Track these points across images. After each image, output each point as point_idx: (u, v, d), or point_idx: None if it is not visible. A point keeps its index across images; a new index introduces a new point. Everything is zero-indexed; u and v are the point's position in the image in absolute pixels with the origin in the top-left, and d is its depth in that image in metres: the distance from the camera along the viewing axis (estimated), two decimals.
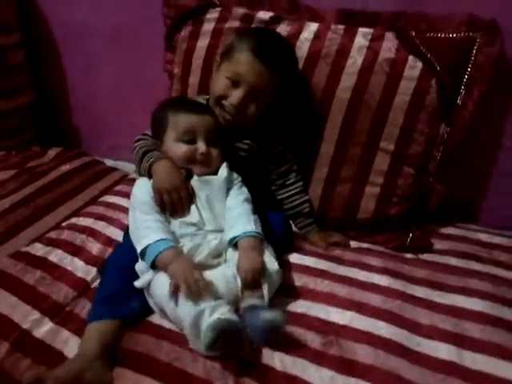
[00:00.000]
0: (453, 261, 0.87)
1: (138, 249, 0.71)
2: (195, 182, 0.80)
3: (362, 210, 0.93)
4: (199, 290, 0.63)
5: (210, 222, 0.77)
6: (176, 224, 0.76)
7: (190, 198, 0.78)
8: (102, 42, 1.26)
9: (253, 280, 0.68)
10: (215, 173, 0.82)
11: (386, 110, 0.87)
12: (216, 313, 0.61)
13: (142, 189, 0.79)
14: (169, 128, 0.81)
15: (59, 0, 1.26)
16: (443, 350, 0.65)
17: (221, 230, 0.77)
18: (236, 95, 0.81)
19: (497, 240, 0.96)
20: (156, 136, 0.85)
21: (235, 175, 0.85)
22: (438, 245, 0.93)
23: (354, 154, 0.91)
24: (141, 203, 0.77)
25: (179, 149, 0.80)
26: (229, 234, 0.74)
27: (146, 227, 0.72)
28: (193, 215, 0.77)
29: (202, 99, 0.92)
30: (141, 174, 0.83)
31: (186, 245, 0.73)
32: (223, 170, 0.82)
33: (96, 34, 1.25)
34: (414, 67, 0.86)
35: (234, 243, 0.73)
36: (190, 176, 0.80)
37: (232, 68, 0.82)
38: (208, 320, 0.60)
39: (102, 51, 1.28)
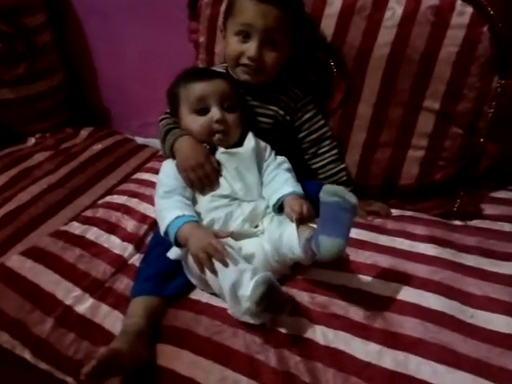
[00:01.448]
0: (506, 226, 0.80)
1: (162, 232, 0.70)
2: (221, 155, 0.76)
3: (404, 175, 0.87)
4: (222, 257, 0.61)
5: (243, 192, 0.75)
6: (206, 199, 0.74)
7: (218, 171, 0.76)
8: (126, 17, 1.23)
9: (308, 212, 0.66)
10: (240, 143, 0.78)
11: (431, 65, 0.79)
12: (259, 274, 0.59)
13: (167, 172, 0.77)
14: (181, 102, 0.78)
15: None
16: (500, 322, 0.60)
17: (255, 200, 0.75)
18: (251, 46, 0.76)
19: None
20: (173, 113, 0.82)
21: (263, 144, 0.81)
22: (490, 210, 0.86)
23: (394, 116, 0.84)
24: (162, 187, 0.74)
25: (195, 122, 0.76)
26: (275, 196, 0.73)
27: (163, 209, 0.71)
28: (223, 187, 0.75)
29: (220, 68, 0.88)
30: (166, 155, 0.81)
31: (220, 215, 0.71)
32: (250, 140, 0.78)
33: (119, 9, 1.23)
34: (462, 13, 0.76)
35: (278, 205, 0.72)
36: (214, 150, 0.77)
37: (237, 21, 0.77)
38: (254, 278, 0.58)
39: (126, 27, 1.25)
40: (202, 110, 0.76)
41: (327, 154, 0.87)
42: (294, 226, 0.66)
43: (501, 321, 0.60)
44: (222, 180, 0.75)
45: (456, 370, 0.55)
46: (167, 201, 0.72)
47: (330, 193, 0.58)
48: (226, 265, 0.61)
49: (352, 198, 0.58)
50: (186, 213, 0.68)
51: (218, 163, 0.76)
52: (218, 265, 0.62)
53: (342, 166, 0.88)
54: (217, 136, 0.76)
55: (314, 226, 0.67)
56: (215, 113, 0.75)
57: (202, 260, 0.63)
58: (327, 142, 0.88)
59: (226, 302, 0.64)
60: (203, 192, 0.75)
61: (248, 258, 0.66)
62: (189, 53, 1.05)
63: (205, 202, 0.74)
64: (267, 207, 0.75)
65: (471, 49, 0.77)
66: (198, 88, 0.76)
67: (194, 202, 0.75)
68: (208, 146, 0.77)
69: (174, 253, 0.70)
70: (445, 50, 0.78)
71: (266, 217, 0.74)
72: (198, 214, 0.72)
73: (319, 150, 0.88)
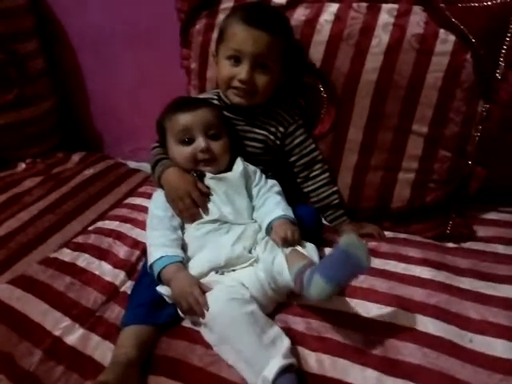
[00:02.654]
0: (500, 248, 0.81)
1: (148, 267, 0.71)
2: (210, 180, 0.78)
3: (396, 198, 0.88)
4: (200, 309, 0.62)
5: (232, 216, 0.76)
6: (193, 226, 0.75)
7: (208, 195, 0.77)
8: (119, 44, 1.25)
9: (292, 236, 0.67)
10: (230, 168, 0.79)
11: (418, 90, 0.81)
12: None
13: (156, 203, 0.79)
14: (168, 133, 0.80)
15: (74, 5, 1.25)
16: (499, 347, 0.59)
17: (245, 223, 0.76)
18: (242, 70, 0.78)
19: None
20: (162, 143, 0.84)
21: (252, 168, 0.82)
22: (482, 232, 0.86)
23: (384, 140, 0.86)
24: (151, 219, 0.77)
25: (181, 152, 0.78)
26: (266, 220, 0.74)
27: (151, 244, 0.73)
28: (212, 212, 0.75)
29: (211, 94, 0.90)
30: (156, 185, 0.83)
31: (207, 242, 0.72)
32: (238, 165, 0.79)
33: (112, 37, 1.25)
34: (446, 41, 0.79)
35: (270, 229, 0.73)
36: (203, 176, 0.78)
37: (229, 46, 0.80)
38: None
39: (119, 54, 1.27)
40: (188, 140, 0.77)
41: (319, 178, 0.88)
42: (284, 251, 0.67)
43: (500, 346, 0.60)
44: (210, 205, 0.76)
45: None
46: (155, 234, 0.74)
47: (351, 244, 0.56)
48: (200, 315, 0.62)
49: (366, 262, 0.56)
50: (170, 253, 0.69)
51: (208, 188, 0.77)
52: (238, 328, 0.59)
53: (334, 188, 0.88)
54: (204, 164, 0.78)
55: (303, 251, 0.68)
56: (200, 143, 0.76)
57: (184, 308, 0.65)
58: (318, 166, 0.88)
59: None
60: (191, 221, 0.75)
61: (245, 287, 0.66)
62: (180, 79, 1.07)
63: (192, 229, 0.75)
64: (258, 231, 0.75)
65: (455, 74, 0.79)
66: (182, 119, 0.77)
67: (183, 230, 0.76)
68: (196, 173, 0.78)
69: (164, 289, 0.69)
70: (430, 76, 0.80)
71: (259, 244, 0.73)
72: (187, 242, 0.74)
73: (311, 173, 0.88)
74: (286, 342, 0.59)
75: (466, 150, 0.84)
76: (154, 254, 0.70)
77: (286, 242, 0.68)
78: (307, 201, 0.91)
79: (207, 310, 0.62)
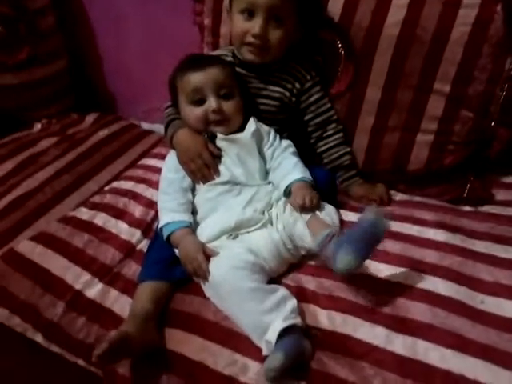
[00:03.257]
0: None
1: (158, 229, 0.74)
2: (221, 141, 0.77)
3: (413, 160, 0.86)
4: (204, 274, 0.64)
5: (244, 177, 0.76)
6: (204, 188, 0.75)
7: (219, 157, 0.76)
8: (130, 0, 1.21)
9: (311, 203, 0.68)
10: (242, 128, 0.78)
11: (442, 46, 0.77)
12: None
13: (168, 165, 0.80)
14: (179, 93, 0.78)
15: None
16: (510, 308, 0.59)
17: (257, 184, 0.75)
18: (256, 24, 0.75)
19: None
20: (174, 103, 0.83)
21: (266, 128, 0.80)
22: (501, 195, 0.84)
23: (403, 99, 0.82)
24: (163, 181, 0.78)
25: (192, 112, 0.77)
26: (284, 183, 0.73)
27: (161, 208, 0.75)
28: (223, 174, 0.76)
29: (225, 51, 0.87)
30: (169, 146, 0.83)
31: (217, 204, 0.72)
32: (250, 125, 0.78)
33: None
34: None
35: (288, 191, 0.72)
36: (214, 137, 0.77)
37: None
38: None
39: (130, 10, 1.23)
40: (199, 101, 0.76)
41: (331, 138, 0.86)
42: (304, 217, 0.67)
43: (511, 307, 0.60)
44: (221, 167, 0.76)
45: (464, 354, 0.55)
46: (165, 198, 0.75)
47: (375, 218, 0.60)
48: (204, 279, 0.65)
49: (384, 228, 0.60)
50: (177, 218, 0.71)
51: (219, 149, 0.76)
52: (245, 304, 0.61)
53: (347, 149, 0.86)
54: (216, 125, 0.77)
55: (322, 218, 0.68)
56: (211, 103, 0.75)
57: (189, 271, 0.67)
58: (332, 126, 0.86)
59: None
60: (204, 181, 0.76)
61: (256, 251, 0.67)
62: (194, 36, 1.03)
63: (203, 191, 0.75)
64: (272, 192, 0.75)
65: (483, 29, 0.75)
66: (193, 79, 0.76)
67: (194, 192, 0.76)
68: (207, 135, 0.77)
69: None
70: (456, 30, 0.76)
71: (275, 206, 0.73)
72: (198, 204, 0.75)
73: (324, 133, 0.86)
74: (289, 304, 0.60)
75: (490, 110, 0.80)
76: (163, 219, 0.73)
77: (304, 209, 0.68)
78: (321, 162, 0.90)
79: (209, 275, 0.64)
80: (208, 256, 0.66)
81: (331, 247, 0.60)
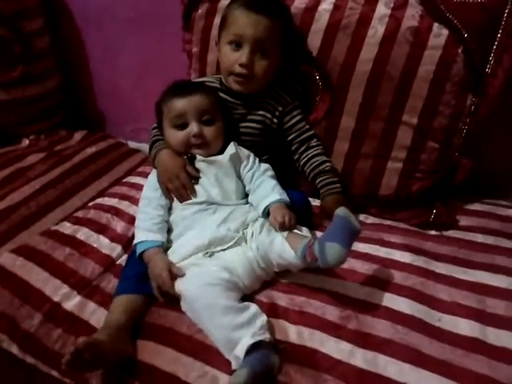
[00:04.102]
0: (479, 237, 0.84)
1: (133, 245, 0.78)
2: (200, 163, 0.82)
3: (384, 186, 0.91)
4: (167, 290, 0.69)
5: (220, 197, 0.79)
6: (179, 207, 0.79)
7: (197, 178, 0.81)
8: (122, 26, 1.27)
9: (289, 222, 0.71)
10: (222, 151, 0.83)
11: (410, 82, 0.84)
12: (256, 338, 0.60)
13: (149, 183, 0.84)
14: (164, 117, 0.83)
15: None
16: (465, 326, 0.64)
17: (233, 204, 0.79)
18: (243, 54, 0.81)
19: None
20: (159, 125, 0.88)
21: (246, 152, 0.85)
22: (464, 221, 0.89)
23: (375, 129, 0.88)
24: (141, 200, 0.83)
25: (175, 136, 0.82)
26: (263, 204, 0.77)
27: (137, 226, 0.79)
28: (200, 195, 0.79)
29: (212, 79, 0.93)
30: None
31: (192, 222, 0.76)
32: (230, 148, 0.83)
33: (116, 18, 1.27)
34: (439, 35, 0.81)
35: (266, 212, 0.76)
36: (193, 158, 0.81)
37: (230, 31, 0.82)
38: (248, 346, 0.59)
39: (122, 35, 1.29)
40: (182, 125, 0.81)
41: (313, 149, 0.90)
42: (282, 234, 0.71)
43: (466, 325, 0.64)
44: (198, 187, 0.80)
45: (421, 369, 0.58)
46: (142, 217, 0.80)
47: (347, 212, 0.65)
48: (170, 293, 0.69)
49: (359, 226, 0.65)
50: (151, 237, 0.75)
51: (198, 170, 0.81)
52: (211, 312, 0.63)
53: (327, 158, 0.89)
54: (196, 148, 0.81)
55: (300, 233, 0.72)
56: (193, 128, 0.80)
57: (155, 287, 0.71)
58: (314, 140, 0.90)
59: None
60: (181, 200, 0.80)
61: (231, 269, 0.70)
62: (182, 62, 1.09)
63: (179, 210, 0.79)
64: (248, 213, 0.78)
65: (447, 68, 0.82)
66: (177, 105, 0.80)
67: (171, 210, 0.81)
68: (187, 156, 0.82)
69: None
70: (422, 69, 0.82)
71: (251, 226, 0.76)
72: (175, 222, 0.79)
73: (307, 146, 0.90)
74: (259, 321, 0.62)
75: (453, 141, 0.87)
76: (137, 236, 0.77)
77: (283, 227, 0.72)
78: (299, 186, 0.94)
79: (173, 293, 0.68)
80: (174, 275, 0.69)
81: (316, 248, 0.63)
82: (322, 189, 0.88)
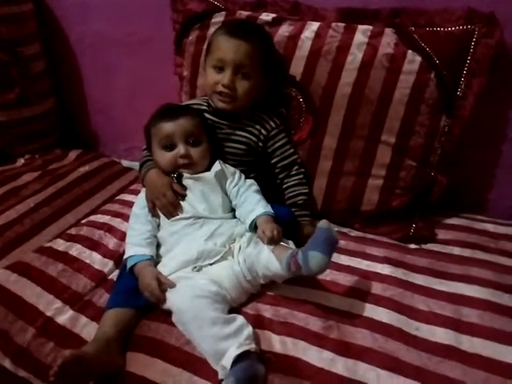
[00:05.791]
0: (456, 250, 0.88)
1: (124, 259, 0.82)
2: (187, 180, 0.86)
3: (365, 202, 0.95)
4: (157, 298, 0.72)
5: (207, 212, 0.83)
6: (167, 223, 0.83)
7: (183, 196, 0.85)
8: (116, 50, 1.32)
9: (278, 236, 0.75)
10: (209, 169, 0.87)
11: (387, 104, 0.89)
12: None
13: (138, 201, 0.89)
14: (152, 139, 0.88)
15: (75, 12, 1.32)
16: (441, 335, 0.67)
17: (220, 218, 0.83)
18: (225, 76, 0.87)
19: (503, 230, 0.96)
20: (148, 147, 0.93)
21: (231, 169, 0.90)
22: (442, 235, 0.94)
23: (356, 148, 0.93)
24: (131, 217, 0.87)
25: (163, 156, 0.86)
26: (250, 217, 0.80)
27: (127, 242, 0.83)
28: (187, 211, 0.83)
29: (200, 100, 0.98)
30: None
31: (180, 237, 0.80)
32: (215, 166, 0.87)
33: (110, 43, 1.31)
34: (412, 61, 0.87)
35: (253, 225, 0.80)
36: (181, 176, 0.86)
37: (214, 56, 0.89)
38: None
39: (116, 58, 1.33)
40: (170, 146, 0.86)
41: (292, 178, 0.95)
42: (269, 247, 0.75)
43: (442, 333, 0.68)
44: (185, 204, 0.84)
45: (398, 375, 0.61)
46: (131, 233, 0.84)
47: (328, 225, 0.70)
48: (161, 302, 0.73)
49: (337, 236, 0.71)
50: (139, 252, 0.79)
51: (185, 187, 0.85)
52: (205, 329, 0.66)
53: (303, 190, 0.94)
54: (184, 168, 0.86)
55: (285, 245, 0.76)
56: (180, 149, 0.85)
57: (146, 297, 0.74)
58: (295, 167, 0.96)
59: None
60: (168, 217, 0.84)
61: (219, 282, 0.73)
62: (173, 84, 1.14)
63: (166, 226, 0.83)
64: (235, 227, 0.82)
65: (421, 92, 0.87)
66: (165, 128, 0.85)
67: (160, 227, 0.84)
68: (175, 174, 0.86)
69: None
70: (398, 92, 0.88)
71: (237, 241, 0.80)
72: (164, 238, 0.82)
73: (288, 173, 0.95)
74: (245, 332, 0.65)
75: (430, 160, 0.92)
76: (127, 252, 0.81)
77: (271, 241, 0.75)
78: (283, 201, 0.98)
79: (165, 301, 0.72)
80: (162, 284, 0.73)
81: (300, 257, 0.67)
82: (297, 218, 0.93)
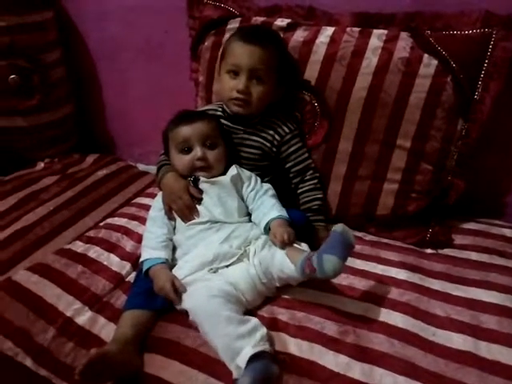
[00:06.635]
0: (473, 255, 0.87)
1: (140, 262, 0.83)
2: (204, 184, 0.87)
3: (380, 206, 0.95)
4: (172, 300, 0.75)
5: (223, 216, 0.84)
6: (184, 227, 0.84)
7: (199, 200, 0.86)
8: (133, 56, 1.35)
9: (289, 239, 0.75)
10: (225, 173, 0.88)
11: (402, 108, 0.89)
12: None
13: (155, 205, 0.90)
14: (170, 143, 0.90)
15: (94, 20, 1.36)
16: (458, 340, 0.67)
17: (236, 222, 0.84)
18: (240, 81, 0.88)
19: None
20: (165, 151, 0.94)
21: (248, 173, 0.91)
22: (459, 240, 0.93)
23: (371, 152, 0.93)
24: (148, 220, 0.89)
25: (180, 160, 0.88)
26: (264, 221, 0.81)
27: (143, 245, 0.85)
28: (203, 215, 0.84)
29: (215, 106, 1.00)
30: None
31: (197, 241, 0.81)
32: (232, 170, 0.88)
33: (127, 49, 1.35)
34: (428, 65, 0.87)
35: (268, 228, 0.80)
36: (197, 180, 0.87)
37: (228, 62, 0.90)
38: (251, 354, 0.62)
39: (133, 64, 1.37)
40: (187, 149, 0.87)
41: (307, 183, 0.96)
42: (282, 249, 0.75)
43: (459, 339, 0.67)
44: (201, 208, 0.85)
45: (415, 381, 0.61)
46: (148, 236, 0.85)
47: (343, 228, 0.69)
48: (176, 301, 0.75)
49: (354, 241, 0.70)
50: (154, 255, 0.81)
51: (202, 191, 0.86)
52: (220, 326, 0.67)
53: (318, 195, 0.95)
54: (200, 171, 0.87)
55: (300, 247, 0.76)
56: (197, 152, 0.86)
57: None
58: (310, 172, 0.96)
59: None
60: (185, 220, 0.85)
61: (234, 284, 0.74)
62: (189, 90, 1.16)
63: (182, 230, 0.84)
64: (250, 230, 0.82)
65: (437, 95, 0.87)
66: (182, 132, 0.87)
67: (176, 230, 0.86)
68: (192, 178, 0.87)
69: None
70: (414, 96, 0.88)
71: (253, 243, 0.81)
72: (180, 241, 0.84)
73: (302, 178, 0.96)
74: (259, 333, 0.66)
75: (446, 164, 0.92)
76: (143, 255, 0.82)
77: (283, 244, 0.76)
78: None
79: (179, 303, 0.74)
80: (177, 287, 0.74)
81: (314, 260, 0.68)
82: (312, 223, 0.94)
